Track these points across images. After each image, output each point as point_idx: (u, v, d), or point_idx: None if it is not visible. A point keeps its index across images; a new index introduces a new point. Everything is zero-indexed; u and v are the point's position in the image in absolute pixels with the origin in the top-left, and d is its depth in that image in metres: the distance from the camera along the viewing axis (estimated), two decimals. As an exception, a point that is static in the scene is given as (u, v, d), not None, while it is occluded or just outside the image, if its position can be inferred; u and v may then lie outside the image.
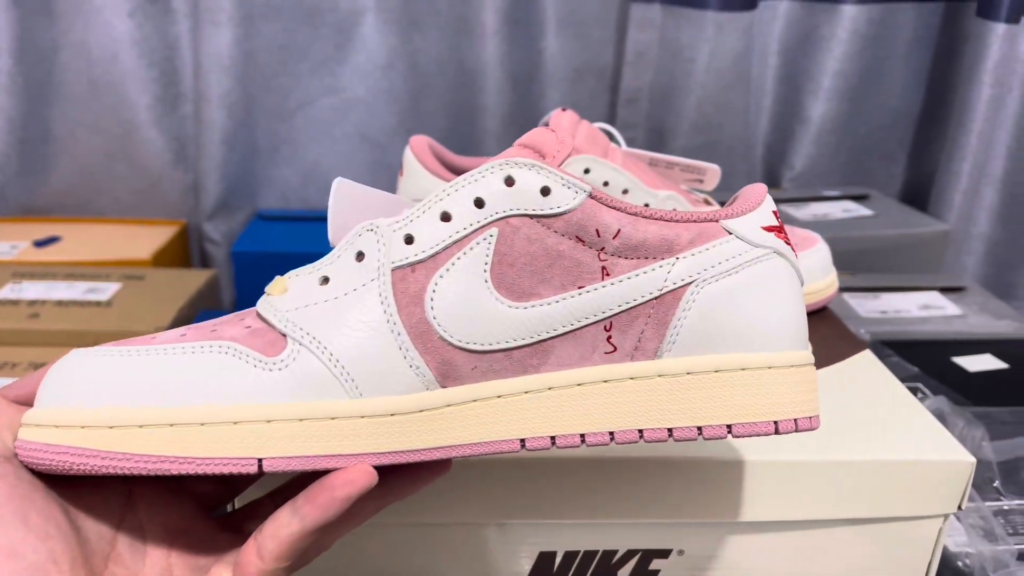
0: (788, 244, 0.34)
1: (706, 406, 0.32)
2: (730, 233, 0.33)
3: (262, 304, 0.33)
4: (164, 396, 0.30)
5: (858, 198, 1.00)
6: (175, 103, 0.95)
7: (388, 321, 0.31)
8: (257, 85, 0.94)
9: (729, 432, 0.32)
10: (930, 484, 0.41)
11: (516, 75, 0.97)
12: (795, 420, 0.33)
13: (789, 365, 0.32)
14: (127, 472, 0.29)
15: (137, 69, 0.92)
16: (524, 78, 0.98)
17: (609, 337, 0.32)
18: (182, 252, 0.97)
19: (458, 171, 0.54)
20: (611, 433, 0.32)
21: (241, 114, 0.93)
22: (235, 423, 0.30)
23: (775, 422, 0.32)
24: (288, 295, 0.33)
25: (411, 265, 0.32)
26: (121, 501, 0.33)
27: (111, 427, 0.29)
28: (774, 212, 0.34)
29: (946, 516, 0.42)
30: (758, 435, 0.32)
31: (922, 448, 0.41)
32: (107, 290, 0.75)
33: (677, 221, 0.33)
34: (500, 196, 0.32)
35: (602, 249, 0.32)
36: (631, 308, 0.32)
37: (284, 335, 0.31)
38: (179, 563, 0.32)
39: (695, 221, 0.33)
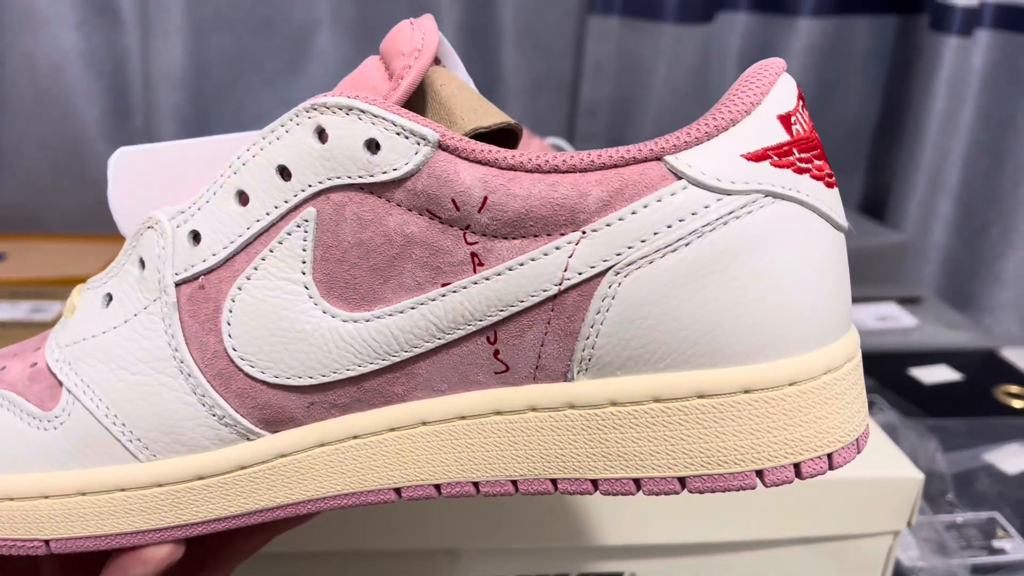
0: (810, 174, 0.21)
1: (643, 450, 0.22)
2: (680, 177, 0.21)
3: (52, 329, 0.26)
4: None
5: (816, 209, 1.00)
6: (125, 116, 0.93)
7: (175, 358, 0.23)
8: (209, 97, 0.92)
9: (683, 487, 0.22)
10: (880, 501, 0.41)
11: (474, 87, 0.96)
12: (829, 455, 0.22)
13: (799, 380, 0.22)
14: None
15: (85, 82, 0.90)
16: (482, 90, 0.96)
17: (496, 352, 0.23)
18: (134, 268, 0.95)
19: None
20: (514, 482, 0.24)
21: (194, 127, 0.91)
22: (11, 499, 0.24)
23: (795, 464, 0.21)
24: (74, 319, 0.25)
25: (198, 276, 0.23)
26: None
27: None
28: (789, 116, 0.22)
29: (896, 532, 0.42)
30: (745, 488, 0.22)
31: (871, 465, 0.41)
32: (52, 309, 0.73)
33: (584, 171, 0.21)
34: (311, 160, 0.22)
35: (467, 228, 0.22)
36: (520, 312, 0.22)
37: (60, 382, 0.24)
38: None
39: (618, 166, 0.21)
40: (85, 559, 0.27)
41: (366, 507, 0.25)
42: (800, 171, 0.21)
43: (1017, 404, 0.69)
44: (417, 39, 0.22)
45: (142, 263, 0.24)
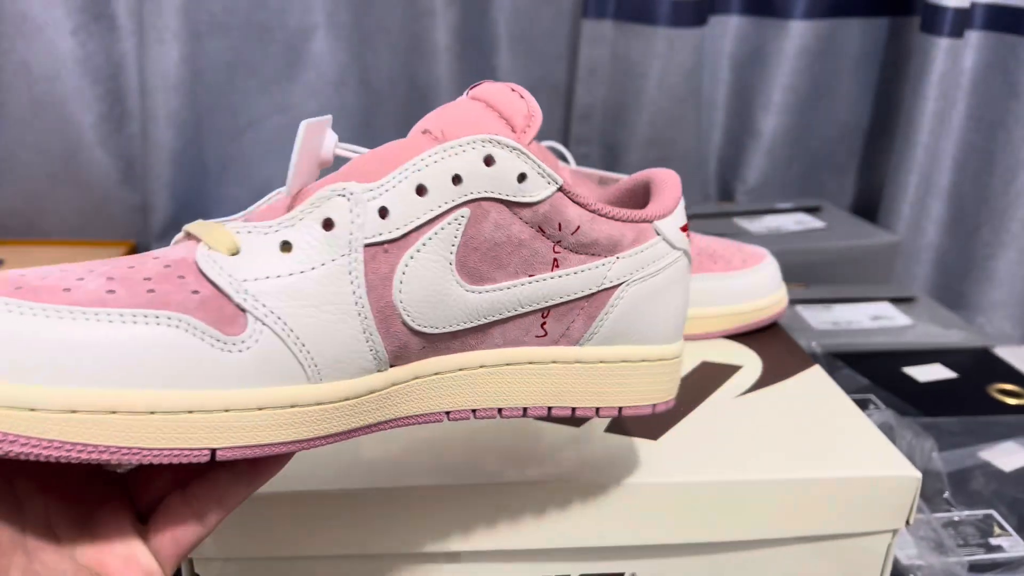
0: (689, 239, 0.37)
1: (608, 390, 0.35)
2: (659, 235, 0.35)
3: (207, 263, 0.29)
4: (101, 376, 0.26)
5: (810, 210, 1.01)
6: (121, 122, 0.93)
7: (356, 303, 0.29)
8: (205, 103, 0.92)
9: (619, 413, 0.36)
10: (878, 500, 0.41)
11: (469, 92, 0.97)
12: (668, 401, 0.37)
13: (674, 356, 0.36)
14: (55, 459, 0.25)
15: (81, 88, 0.90)
16: (477, 94, 0.97)
17: (544, 323, 0.34)
18: (131, 274, 0.95)
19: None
20: (524, 409, 0.34)
21: (190, 132, 0.91)
22: (189, 412, 0.27)
23: (653, 404, 0.36)
24: (242, 258, 0.29)
25: (383, 244, 0.30)
26: None
27: (32, 409, 0.25)
28: (683, 208, 0.36)
29: (895, 531, 0.43)
30: (641, 416, 0.36)
31: (869, 464, 0.41)
32: (49, 315, 0.73)
33: (623, 221, 0.34)
34: (478, 176, 0.31)
35: (558, 242, 0.33)
36: (571, 301, 0.34)
37: (244, 310, 0.28)
38: (58, 512, 0.29)
39: (635, 221, 0.35)
40: (61, 479, 0.29)
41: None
42: (688, 237, 0.36)
43: (1012, 402, 0.70)
44: (532, 105, 0.33)
45: (328, 223, 0.29)
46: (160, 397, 0.26)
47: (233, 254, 0.29)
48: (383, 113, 0.97)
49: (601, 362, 0.34)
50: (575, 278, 0.33)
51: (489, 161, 0.31)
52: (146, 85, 0.88)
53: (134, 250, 0.96)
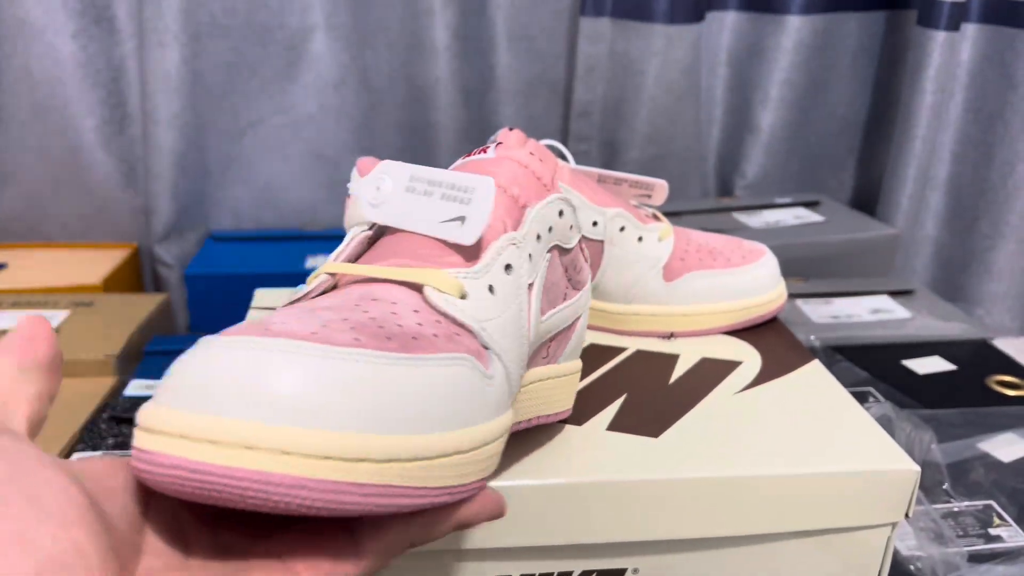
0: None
1: (558, 399, 0.40)
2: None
3: (449, 306, 0.31)
4: (398, 421, 0.25)
5: (809, 204, 1.01)
6: (122, 125, 0.93)
7: (525, 336, 0.34)
8: (206, 104, 0.93)
9: (553, 417, 0.40)
10: (876, 493, 0.42)
11: (468, 90, 0.97)
12: (570, 409, 0.41)
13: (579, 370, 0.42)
14: (347, 509, 0.24)
15: (82, 91, 0.90)
16: (477, 93, 0.98)
17: (549, 346, 0.38)
18: (134, 276, 0.96)
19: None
20: (528, 420, 0.37)
21: (191, 134, 0.92)
22: (485, 444, 0.29)
23: (568, 410, 0.41)
24: (471, 302, 0.32)
25: (531, 284, 0.35)
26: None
27: (326, 457, 0.23)
28: None
29: (894, 524, 0.43)
30: (563, 420, 0.41)
31: (867, 458, 0.42)
32: (55, 318, 0.74)
33: (585, 261, 0.41)
34: (557, 227, 0.37)
35: (570, 280, 0.39)
36: (568, 327, 0.40)
37: (486, 347, 0.31)
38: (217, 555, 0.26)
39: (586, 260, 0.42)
40: (231, 514, 0.27)
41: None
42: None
43: (1010, 393, 0.70)
44: (553, 166, 0.40)
45: (508, 268, 0.34)
46: (465, 434, 0.28)
47: (462, 297, 0.32)
48: (383, 112, 0.98)
49: (564, 375, 0.40)
50: (571, 308, 0.39)
51: (561, 215, 0.37)
52: (147, 88, 0.88)
53: (137, 253, 0.97)
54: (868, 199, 1.09)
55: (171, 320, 0.87)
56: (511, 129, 0.51)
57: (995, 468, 0.59)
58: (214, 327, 0.52)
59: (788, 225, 0.95)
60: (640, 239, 0.51)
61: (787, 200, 1.02)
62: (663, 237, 0.52)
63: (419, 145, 0.99)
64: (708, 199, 1.07)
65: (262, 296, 0.57)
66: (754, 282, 0.54)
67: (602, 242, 0.50)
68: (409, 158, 1.00)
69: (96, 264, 0.90)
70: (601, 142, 1.02)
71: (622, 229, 0.51)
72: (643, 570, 0.43)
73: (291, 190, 0.99)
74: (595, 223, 0.50)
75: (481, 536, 0.41)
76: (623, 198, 0.54)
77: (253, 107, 0.95)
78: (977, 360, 0.75)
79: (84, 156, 0.93)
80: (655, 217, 0.54)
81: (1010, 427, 0.64)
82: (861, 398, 0.68)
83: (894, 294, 0.87)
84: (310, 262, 0.90)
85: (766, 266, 0.55)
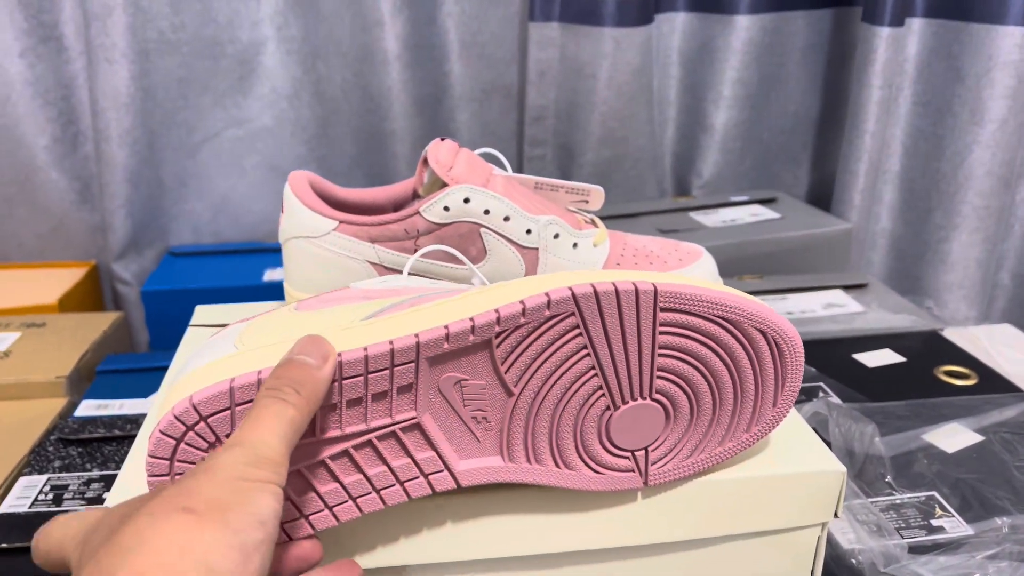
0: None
1: None
2: None
3: None
4: None
5: (766, 201, 1.02)
6: (75, 143, 0.93)
7: None
8: (158, 120, 0.92)
9: None
10: (805, 495, 0.42)
11: (422, 99, 0.97)
12: None
13: None
14: None
15: (32, 110, 0.90)
16: (431, 101, 0.98)
17: None
18: (93, 294, 0.95)
19: (342, 205, 0.54)
20: None
21: (144, 150, 0.92)
22: None
23: None
24: None
25: None
26: None
27: None
28: None
29: (824, 524, 0.43)
30: None
31: (796, 461, 0.42)
32: (5, 340, 0.74)
33: None
34: None
35: None
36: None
37: None
38: None
39: None
40: None
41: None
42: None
43: (957, 383, 0.71)
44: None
45: None
46: None
47: None
48: (338, 123, 0.98)
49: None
50: None
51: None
52: (97, 105, 0.88)
53: (95, 271, 0.96)
54: (824, 194, 1.10)
55: (128, 338, 0.87)
56: (443, 139, 0.52)
57: (939, 459, 0.60)
58: (174, 343, 0.52)
59: (744, 223, 0.96)
60: (575, 245, 0.52)
61: (744, 198, 1.03)
62: (598, 242, 0.53)
63: (375, 154, 0.99)
64: (665, 199, 1.08)
65: (203, 313, 0.57)
66: (692, 284, 0.54)
67: (537, 250, 0.51)
68: (365, 168, 1.00)
69: (53, 284, 0.89)
70: (556, 146, 1.02)
71: (556, 236, 0.51)
72: None
73: (249, 203, 0.99)
74: (528, 231, 0.50)
75: (432, 551, 0.40)
76: (559, 205, 0.55)
77: (207, 121, 0.95)
78: (926, 351, 0.76)
79: (38, 175, 0.92)
80: (592, 223, 0.55)
81: (954, 417, 0.64)
82: (811, 393, 0.69)
83: (848, 288, 0.88)
84: (268, 275, 0.90)
85: (702, 267, 0.55)
